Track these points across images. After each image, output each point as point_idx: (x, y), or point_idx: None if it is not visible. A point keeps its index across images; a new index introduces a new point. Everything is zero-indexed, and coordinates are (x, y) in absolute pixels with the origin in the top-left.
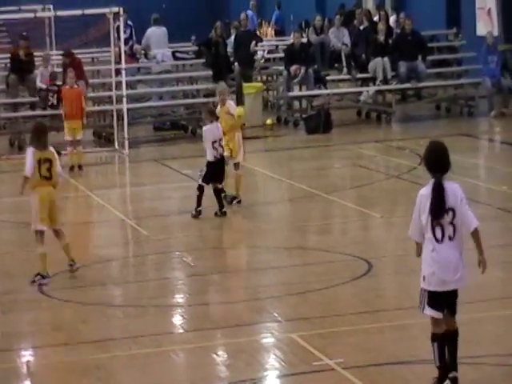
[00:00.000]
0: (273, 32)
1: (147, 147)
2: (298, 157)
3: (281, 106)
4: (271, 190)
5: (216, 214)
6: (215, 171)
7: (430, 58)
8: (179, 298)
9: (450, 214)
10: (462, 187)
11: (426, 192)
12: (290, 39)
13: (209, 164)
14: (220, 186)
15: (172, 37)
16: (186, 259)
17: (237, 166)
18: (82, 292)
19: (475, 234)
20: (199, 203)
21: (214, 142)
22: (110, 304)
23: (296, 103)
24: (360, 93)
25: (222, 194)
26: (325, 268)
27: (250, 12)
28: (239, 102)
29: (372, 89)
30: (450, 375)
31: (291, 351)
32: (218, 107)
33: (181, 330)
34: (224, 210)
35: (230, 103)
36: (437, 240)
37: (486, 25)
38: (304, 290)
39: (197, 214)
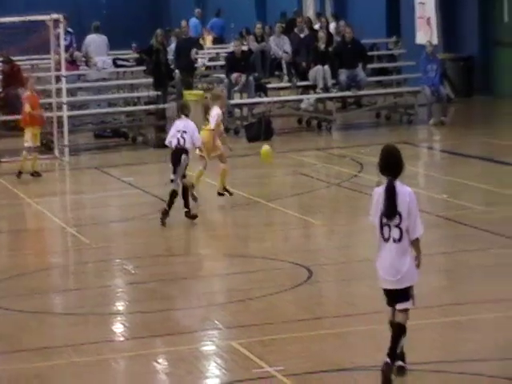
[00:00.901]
0: (210, 39)
1: (88, 155)
2: (239, 164)
3: None
4: (213, 198)
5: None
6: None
7: (370, 66)
8: (120, 306)
9: (397, 217)
10: (414, 193)
11: (379, 191)
12: (230, 47)
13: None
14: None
15: (113, 43)
16: (127, 267)
17: (221, 158)
18: (22, 300)
19: (415, 243)
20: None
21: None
22: (51, 312)
23: (237, 111)
24: (301, 100)
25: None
26: (266, 275)
27: (194, 20)
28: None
29: (312, 97)
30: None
31: (232, 359)
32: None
33: (121, 338)
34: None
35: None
36: (384, 239)
37: (426, 33)
38: (245, 298)
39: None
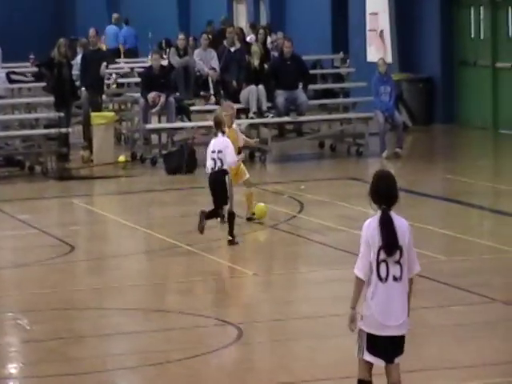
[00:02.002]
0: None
1: None
2: (157, 201)
3: (136, 141)
4: (124, 241)
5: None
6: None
7: (312, 87)
8: (12, 369)
9: (398, 252)
10: (409, 224)
11: (373, 224)
12: (147, 61)
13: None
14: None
15: (6, 55)
16: (21, 322)
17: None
18: None
19: (411, 281)
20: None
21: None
22: None
23: (154, 137)
24: None
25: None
26: (188, 334)
27: (113, 28)
28: (86, 134)
29: (244, 122)
30: None
31: None
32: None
33: None
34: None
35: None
36: (380, 279)
37: (379, 49)
38: (163, 361)
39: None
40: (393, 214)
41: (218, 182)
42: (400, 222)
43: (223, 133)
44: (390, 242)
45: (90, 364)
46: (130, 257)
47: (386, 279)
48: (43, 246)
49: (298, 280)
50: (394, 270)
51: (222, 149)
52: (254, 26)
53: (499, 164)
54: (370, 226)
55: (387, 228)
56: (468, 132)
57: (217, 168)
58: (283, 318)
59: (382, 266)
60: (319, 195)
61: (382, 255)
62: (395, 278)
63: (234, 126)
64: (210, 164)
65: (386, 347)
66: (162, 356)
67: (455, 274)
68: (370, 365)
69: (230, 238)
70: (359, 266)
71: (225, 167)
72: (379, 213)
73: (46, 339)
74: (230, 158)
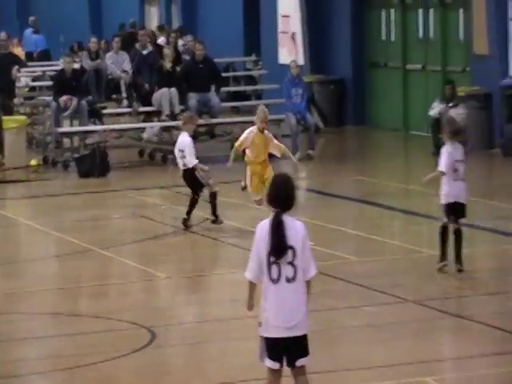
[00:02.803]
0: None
1: None
2: (69, 205)
3: (48, 144)
4: (35, 245)
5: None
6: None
7: (225, 89)
8: None
9: (290, 253)
10: (305, 226)
11: (265, 227)
12: (59, 64)
13: None
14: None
15: None
16: None
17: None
18: None
19: (309, 284)
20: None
21: None
22: None
23: (66, 141)
24: (143, 129)
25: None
26: (100, 338)
27: (30, 30)
28: None
29: (157, 125)
30: None
31: None
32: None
33: None
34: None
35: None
36: (272, 280)
37: (290, 52)
38: (75, 365)
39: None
40: (287, 216)
41: (187, 179)
42: (294, 224)
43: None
44: (277, 244)
45: (1, 369)
46: (42, 261)
47: (278, 280)
48: None
49: (211, 282)
50: (287, 272)
51: (182, 148)
52: (162, 28)
53: (409, 165)
54: (264, 228)
55: (276, 230)
56: (379, 133)
57: (184, 167)
58: (196, 321)
59: (274, 268)
60: (233, 198)
61: (272, 257)
62: (288, 280)
63: (266, 131)
64: (179, 162)
65: (284, 350)
66: (74, 360)
67: (367, 274)
68: (275, 370)
69: (213, 217)
70: (249, 268)
71: (189, 166)
72: (271, 215)
73: None
74: (189, 158)
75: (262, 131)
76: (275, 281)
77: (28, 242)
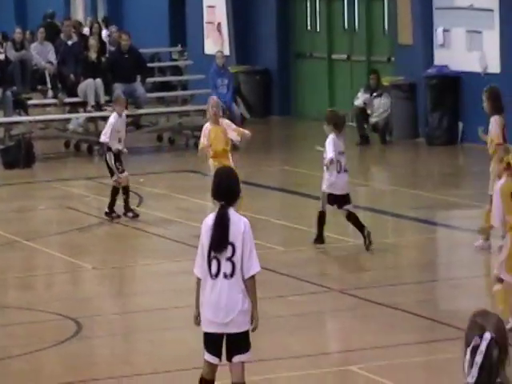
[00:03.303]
0: None
1: None
2: None
3: None
4: None
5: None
6: None
7: (150, 80)
8: None
9: (230, 248)
10: (249, 223)
11: (210, 221)
12: None
13: None
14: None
15: None
16: None
17: None
18: None
19: (250, 282)
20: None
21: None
22: None
23: None
24: (68, 120)
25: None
26: (25, 330)
27: None
28: None
29: (82, 115)
30: None
31: None
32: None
33: None
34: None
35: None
36: (211, 275)
37: (216, 42)
38: (2, 356)
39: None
40: (232, 211)
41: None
42: (237, 219)
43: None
44: (218, 238)
45: None
46: None
47: (217, 276)
48: None
49: (138, 273)
50: (226, 267)
51: None
52: (90, 20)
53: None
54: (208, 222)
55: (219, 224)
56: (304, 123)
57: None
58: (123, 312)
59: (214, 263)
60: (158, 188)
61: (212, 252)
62: (226, 275)
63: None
64: None
65: (221, 345)
66: (1, 352)
67: (293, 264)
68: (212, 364)
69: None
70: (196, 264)
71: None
72: (216, 209)
73: None
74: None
75: (215, 122)
76: (213, 276)
77: None
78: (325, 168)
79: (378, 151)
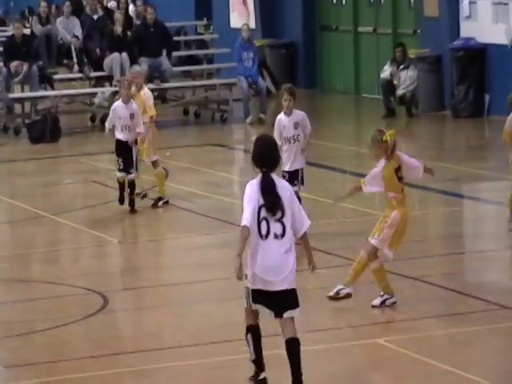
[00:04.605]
0: None
1: None
2: (20, 171)
3: None
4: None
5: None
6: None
7: (176, 53)
8: None
9: (280, 211)
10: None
11: (255, 185)
12: (10, 30)
13: None
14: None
15: None
16: None
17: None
18: None
19: (304, 238)
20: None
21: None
22: None
23: (17, 106)
24: (94, 94)
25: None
26: (52, 304)
27: None
28: None
29: (108, 90)
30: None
31: None
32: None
33: None
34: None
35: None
36: (261, 236)
37: (242, 15)
38: (27, 331)
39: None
40: (275, 176)
41: None
42: (282, 184)
43: None
44: (273, 202)
45: None
46: None
47: (267, 236)
48: None
49: (164, 247)
50: (275, 228)
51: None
52: None
53: (361, 128)
54: (253, 186)
55: (270, 189)
56: (330, 96)
57: None
58: (149, 286)
59: (263, 224)
60: (184, 162)
61: (263, 213)
62: (276, 236)
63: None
64: None
65: (272, 302)
66: (26, 326)
67: (319, 238)
68: (256, 313)
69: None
70: (244, 216)
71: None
72: (260, 176)
73: None
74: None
75: (138, 90)
76: (264, 237)
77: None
78: None
79: (404, 124)
